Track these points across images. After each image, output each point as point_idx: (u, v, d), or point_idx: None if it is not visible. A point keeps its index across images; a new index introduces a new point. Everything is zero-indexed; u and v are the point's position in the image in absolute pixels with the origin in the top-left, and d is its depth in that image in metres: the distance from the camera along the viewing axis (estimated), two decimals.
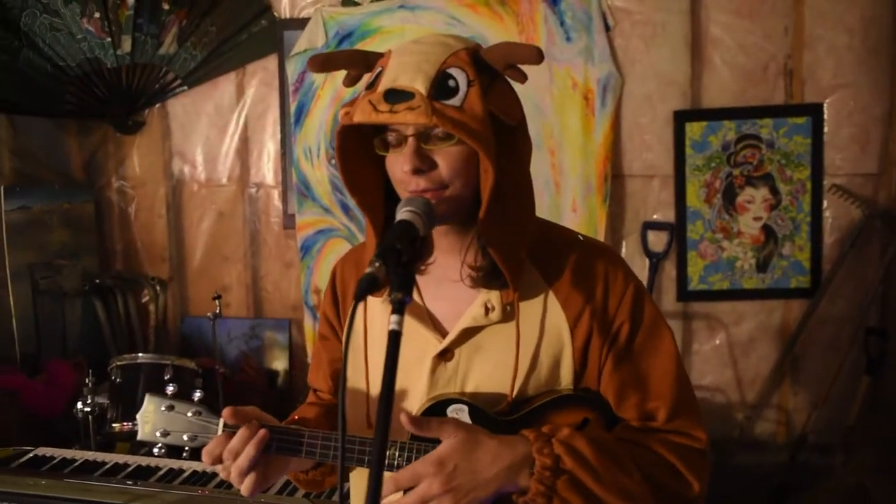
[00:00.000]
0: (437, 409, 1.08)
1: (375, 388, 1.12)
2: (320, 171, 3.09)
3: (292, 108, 3.09)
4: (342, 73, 1.10)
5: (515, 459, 0.98)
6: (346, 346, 0.84)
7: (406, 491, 0.97)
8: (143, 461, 2.06)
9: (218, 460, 1.07)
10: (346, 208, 3.08)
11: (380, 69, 1.03)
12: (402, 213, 0.97)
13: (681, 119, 2.86)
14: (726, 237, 2.91)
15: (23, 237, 2.99)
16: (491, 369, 1.09)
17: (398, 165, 1.02)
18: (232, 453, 1.05)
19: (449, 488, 0.95)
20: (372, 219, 1.09)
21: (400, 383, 1.08)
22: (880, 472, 2.66)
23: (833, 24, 2.75)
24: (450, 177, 1.02)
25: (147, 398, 1.15)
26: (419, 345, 1.11)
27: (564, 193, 2.89)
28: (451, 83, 0.98)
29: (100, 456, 2.11)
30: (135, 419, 1.96)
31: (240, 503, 1.80)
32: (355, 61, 1.08)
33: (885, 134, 2.79)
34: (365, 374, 1.15)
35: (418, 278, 1.14)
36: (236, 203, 3.29)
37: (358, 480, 1.21)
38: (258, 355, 3.27)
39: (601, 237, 2.83)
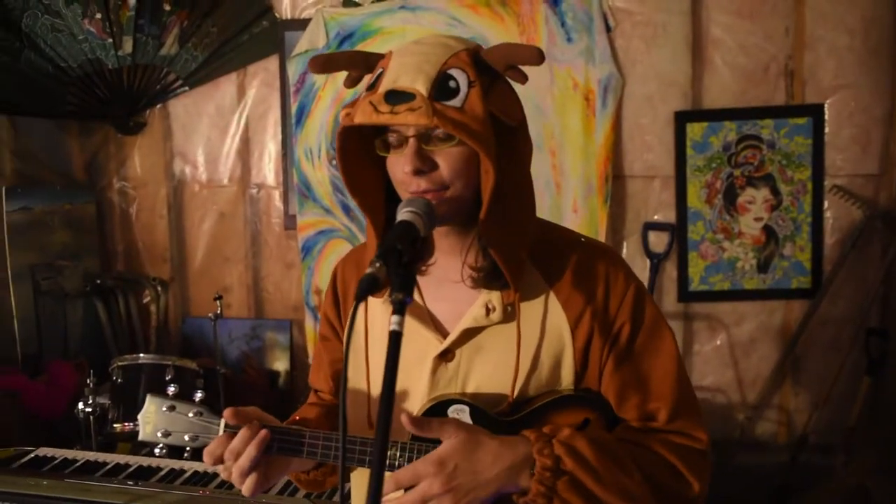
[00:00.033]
0: (438, 409, 1.08)
1: (376, 389, 1.12)
2: (321, 172, 3.09)
3: (293, 108, 3.09)
4: (343, 74, 1.10)
5: (516, 460, 0.98)
6: (347, 347, 0.84)
7: (406, 490, 0.97)
8: (145, 461, 2.06)
9: (219, 461, 1.07)
10: (346, 209, 3.08)
11: (381, 70, 1.03)
12: (402, 214, 0.97)
13: (682, 120, 2.86)
14: (727, 238, 2.91)
15: (24, 238, 2.99)
16: (492, 370, 1.09)
17: (399, 166, 1.02)
18: (233, 454, 1.05)
19: (449, 488, 0.95)
20: (373, 220, 1.09)
21: (401, 384, 1.09)
22: (881, 472, 2.65)
23: (834, 25, 2.75)
24: (450, 178, 1.02)
25: (148, 399, 1.15)
26: (420, 345, 1.11)
27: (565, 194, 2.89)
28: (452, 84, 0.99)
29: (101, 456, 2.11)
30: (136, 419, 1.96)
31: (241, 503, 1.80)
32: (356, 62, 1.08)
33: (886, 135, 2.79)
34: (366, 375, 1.15)
35: (419, 279, 1.14)
36: (237, 204, 3.29)
37: (359, 481, 1.21)
38: (259, 356, 3.27)
39: (602, 238, 2.83)
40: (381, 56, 1.07)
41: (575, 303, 1.09)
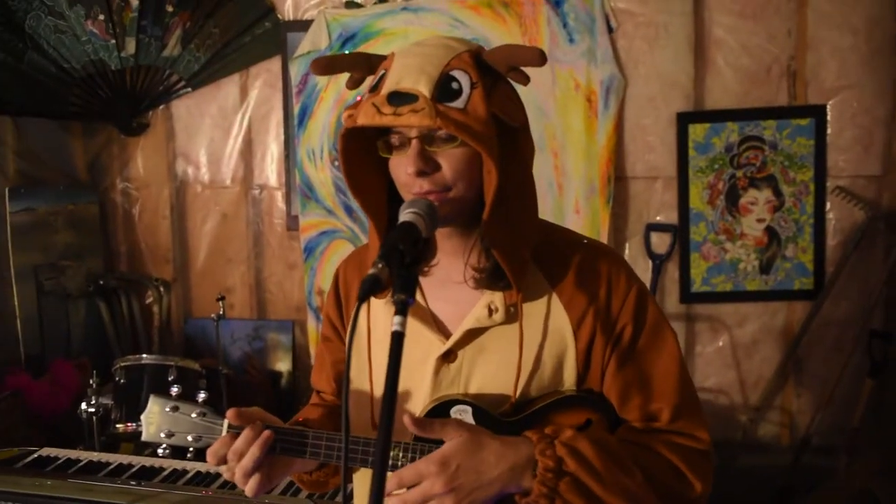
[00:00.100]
0: (440, 410, 1.08)
1: (379, 390, 1.12)
2: (324, 173, 3.09)
3: (296, 109, 3.10)
4: (345, 76, 1.11)
5: (518, 460, 0.98)
6: (350, 348, 0.84)
7: (409, 489, 0.98)
8: (147, 462, 2.07)
9: (223, 461, 1.07)
10: (349, 210, 3.08)
11: (383, 72, 1.03)
12: (405, 215, 0.97)
13: (684, 121, 2.86)
14: (729, 239, 2.91)
15: (27, 238, 3.00)
16: (494, 370, 1.10)
17: (402, 168, 1.03)
18: (236, 454, 1.06)
19: (451, 488, 0.96)
20: (375, 221, 1.10)
21: (403, 384, 1.09)
22: (884, 474, 2.65)
23: (836, 26, 2.75)
24: (453, 179, 1.02)
25: (151, 399, 1.16)
26: (423, 346, 1.11)
27: (567, 195, 2.89)
28: (455, 85, 0.99)
29: (104, 456, 2.12)
30: (139, 420, 1.97)
31: (243, 503, 1.80)
32: (358, 64, 1.09)
33: (889, 136, 2.79)
34: (368, 376, 1.15)
35: (421, 280, 1.14)
36: (240, 204, 3.30)
37: (361, 481, 1.22)
38: (261, 356, 3.28)
39: (604, 239, 2.83)
40: (383, 57, 1.07)
41: (577, 304, 1.09)
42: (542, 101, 2.85)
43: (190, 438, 1.13)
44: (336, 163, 3.04)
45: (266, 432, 1.07)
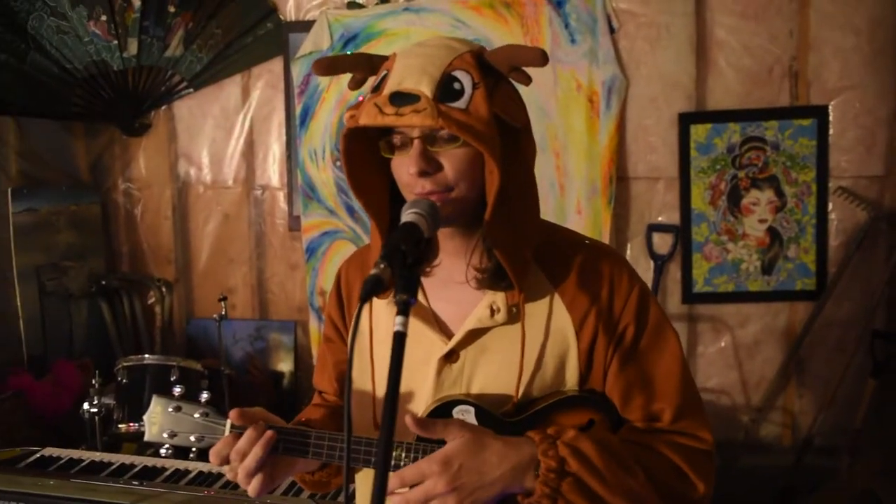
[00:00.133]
0: (442, 410, 1.08)
1: (381, 390, 1.12)
2: (325, 174, 3.09)
3: (298, 110, 3.10)
4: (347, 76, 1.11)
5: (521, 461, 0.98)
6: (352, 348, 0.84)
7: (411, 488, 0.98)
8: (150, 462, 2.07)
9: (225, 461, 1.07)
10: (351, 210, 3.09)
11: (385, 72, 1.04)
12: (407, 216, 0.97)
13: (686, 121, 2.86)
14: (731, 239, 2.91)
15: (30, 239, 3.01)
16: (496, 371, 1.10)
17: (404, 168, 1.03)
18: (239, 454, 1.06)
19: (453, 487, 0.96)
20: (377, 221, 1.10)
21: (406, 385, 1.09)
22: (887, 475, 2.65)
23: (839, 26, 2.75)
24: (455, 179, 1.02)
25: (154, 399, 1.16)
26: (425, 346, 1.11)
27: (569, 195, 2.89)
28: (457, 86, 0.99)
29: (106, 456, 2.12)
30: (141, 420, 1.97)
31: (246, 503, 1.80)
32: (360, 64, 1.09)
33: (891, 136, 2.78)
34: (371, 376, 1.16)
35: (424, 280, 1.14)
36: (242, 205, 3.30)
37: (364, 481, 1.22)
38: (263, 357, 3.28)
39: (606, 239, 2.82)
40: (385, 58, 1.07)
41: (579, 304, 1.09)
42: (544, 102, 2.85)
43: (192, 438, 1.13)
44: (338, 163, 3.05)
45: (268, 432, 1.07)
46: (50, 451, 2.14)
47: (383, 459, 0.78)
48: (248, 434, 1.06)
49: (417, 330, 1.10)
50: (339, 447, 1.08)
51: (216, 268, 3.35)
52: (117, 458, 2.10)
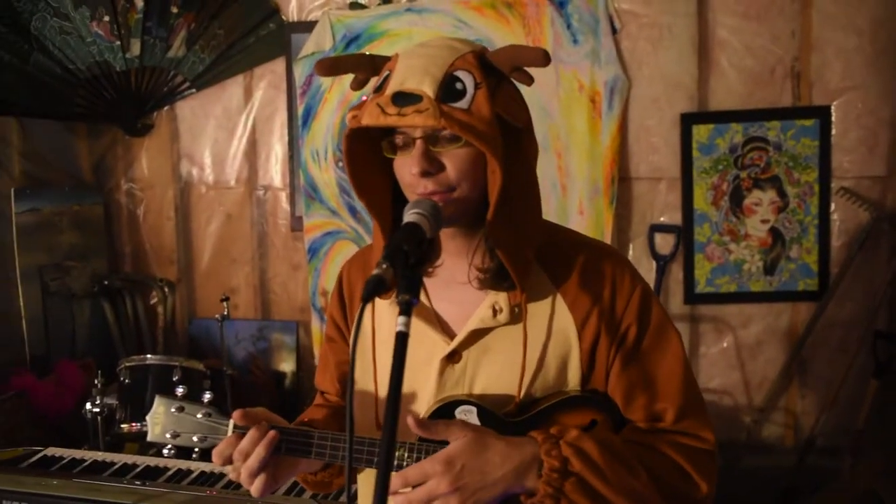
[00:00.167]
0: (445, 410, 1.08)
1: (384, 390, 1.13)
2: (328, 174, 3.10)
3: (300, 110, 3.10)
4: (349, 77, 1.11)
5: (523, 460, 0.98)
6: (354, 348, 0.85)
7: (414, 488, 0.98)
8: (152, 461, 2.07)
9: (228, 461, 1.07)
10: (353, 210, 3.09)
11: (387, 72, 1.04)
12: (409, 216, 0.98)
13: (688, 121, 2.86)
14: (733, 240, 2.91)
15: (32, 239, 3.01)
16: (499, 371, 1.10)
17: (406, 168, 1.03)
18: (242, 454, 1.06)
19: (456, 487, 0.96)
20: (380, 221, 1.10)
21: (408, 385, 1.09)
22: (889, 475, 2.64)
23: (841, 27, 2.74)
24: (457, 179, 1.02)
25: (157, 400, 1.16)
26: (427, 347, 1.11)
27: (571, 196, 2.89)
28: (459, 86, 0.99)
29: (109, 456, 2.13)
30: (143, 420, 1.97)
31: (248, 503, 1.80)
32: (362, 65, 1.09)
33: (893, 136, 2.78)
34: (373, 376, 1.16)
35: (426, 281, 1.14)
36: (244, 205, 3.30)
37: (366, 482, 1.22)
38: (265, 357, 3.28)
39: (608, 240, 2.82)
40: (387, 59, 1.08)
41: (581, 304, 1.10)
42: (546, 102, 2.85)
43: (195, 439, 1.13)
44: (340, 164, 3.05)
45: (271, 432, 1.07)
46: (52, 451, 2.15)
47: (385, 460, 0.78)
48: (251, 434, 1.06)
49: (420, 330, 1.10)
50: (342, 447, 1.08)
51: (218, 268, 3.35)
52: (120, 458, 2.11)
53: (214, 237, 3.34)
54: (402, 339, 0.83)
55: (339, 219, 3.11)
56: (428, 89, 0.98)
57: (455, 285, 1.12)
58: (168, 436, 1.14)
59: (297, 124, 3.12)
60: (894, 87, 2.76)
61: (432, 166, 1.01)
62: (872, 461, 2.70)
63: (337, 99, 3.05)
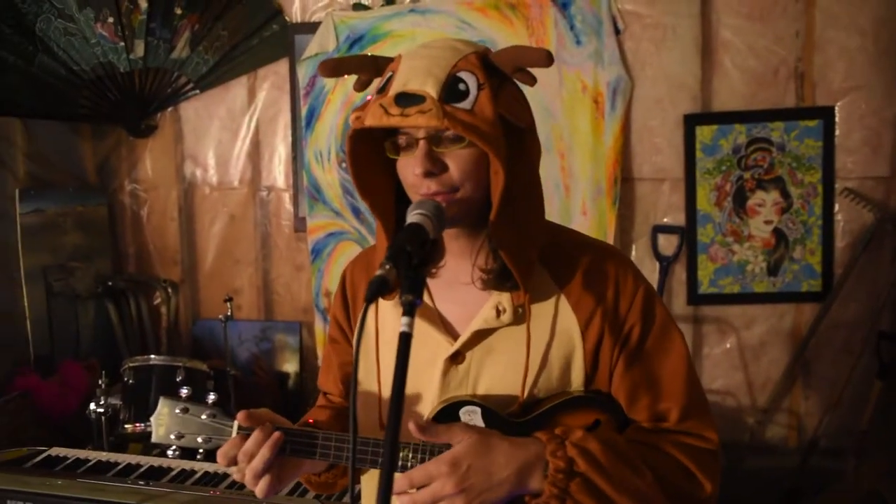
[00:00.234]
0: (449, 411, 1.09)
1: (387, 391, 1.12)
2: (331, 175, 3.10)
3: (303, 111, 3.11)
4: (353, 77, 1.11)
5: (528, 461, 0.98)
6: (357, 349, 0.85)
7: (419, 489, 0.98)
8: (156, 462, 2.08)
9: (233, 462, 1.07)
10: (356, 211, 3.09)
11: (390, 74, 1.04)
12: (412, 216, 0.98)
13: (691, 122, 2.86)
14: (737, 241, 2.90)
15: (37, 240, 3.02)
16: (502, 371, 1.10)
17: (409, 169, 1.03)
18: (247, 455, 1.06)
19: (462, 488, 0.96)
20: (383, 222, 1.10)
21: (412, 386, 1.09)
22: (893, 476, 2.64)
23: (844, 27, 2.74)
24: (460, 179, 1.02)
25: (161, 401, 1.16)
26: (431, 347, 1.11)
27: (574, 196, 2.89)
28: (462, 86, 0.99)
29: (113, 456, 2.13)
30: (147, 420, 1.97)
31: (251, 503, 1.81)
32: (365, 66, 1.09)
33: None
34: (377, 377, 1.16)
35: (429, 281, 1.14)
36: (248, 206, 3.31)
37: (370, 482, 1.22)
38: (269, 357, 3.29)
39: (611, 240, 2.82)
40: (390, 59, 1.08)
41: (585, 304, 1.10)
42: (549, 103, 2.85)
43: (200, 440, 1.13)
44: (343, 164, 3.05)
45: (276, 433, 1.07)
46: (57, 451, 2.15)
47: (389, 460, 0.79)
48: (256, 435, 1.07)
49: (423, 331, 1.10)
50: (346, 448, 1.08)
51: (222, 269, 3.36)
52: (124, 458, 2.12)
53: (218, 238, 3.35)
54: (405, 340, 0.84)
55: (343, 220, 3.12)
56: (431, 90, 0.98)
57: (458, 286, 1.12)
58: (172, 437, 1.15)
59: (301, 125, 3.13)
60: None
61: (435, 167, 1.01)
62: (876, 462, 2.70)
63: (340, 100, 3.06)
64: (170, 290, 3.37)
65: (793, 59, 2.79)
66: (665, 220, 2.94)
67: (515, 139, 1.03)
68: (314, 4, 3.10)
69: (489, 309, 1.09)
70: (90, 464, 2.08)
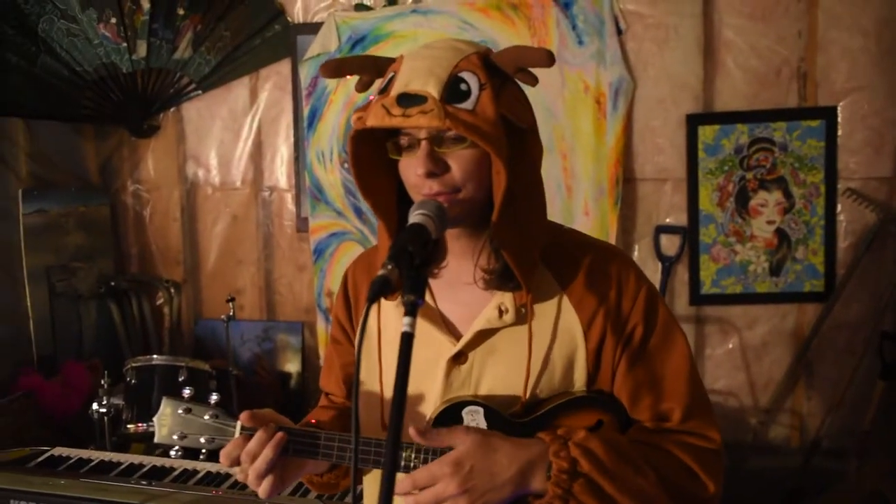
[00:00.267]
0: (452, 411, 1.09)
1: (389, 391, 1.12)
2: (333, 175, 3.10)
3: (305, 112, 3.11)
4: (355, 78, 1.12)
5: (531, 462, 0.99)
6: (359, 349, 0.85)
7: (422, 490, 0.98)
8: (158, 462, 2.08)
9: (236, 462, 1.08)
10: (358, 212, 3.09)
11: (392, 74, 1.04)
12: (414, 217, 0.98)
13: (693, 122, 2.86)
14: (739, 241, 2.90)
15: (39, 240, 3.03)
16: (505, 372, 1.10)
17: (411, 169, 1.03)
18: (250, 455, 1.06)
19: (465, 489, 0.96)
20: (385, 222, 1.10)
21: (415, 386, 1.09)
22: (895, 477, 2.63)
23: (847, 27, 2.74)
24: (462, 180, 1.02)
25: (164, 401, 1.16)
26: (433, 348, 1.11)
27: (576, 197, 2.89)
28: (463, 87, 0.99)
29: (115, 456, 2.14)
30: (150, 420, 1.98)
31: None
32: (367, 66, 1.10)
33: None
34: (379, 377, 1.16)
35: (431, 282, 1.14)
36: (250, 206, 3.31)
37: (372, 483, 1.22)
38: (271, 358, 3.29)
39: (613, 241, 2.82)
40: (392, 60, 1.08)
41: (587, 304, 1.10)
42: (551, 103, 2.85)
43: (203, 440, 1.14)
44: (345, 165, 3.06)
45: (279, 434, 1.07)
46: (59, 451, 2.16)
47: (391, 460, 0.79)
48: (259, 436, 1.07)
49: (425, 331, 1.11)
50: (349, 448, 1.08)
51: (224, 269, 3.36)
52: (126, 458, 2.12)
53: (220, 238, 3.35)
54: (407, 340, 0.84)
55: (345, 220, 3.12)
56: (433, 90, 0.98)
57: (460, 286, 1.12)
58: (175, 437, 1.15)
59: (303, 125, 3.13)
60: None
61: (437, 167, 1.01)
62: (878, 462, 2.69)
63: (342, 100, 3.06)
64: (172, 290, 3.37)
65: (795, 60, 2.79)
66: (667, 220, 2.94)
67: (517, 139, 1.03)
68: (316, 5, 3.10)
69: (491, 309, 1.09)
70: (93, 464, 2.08)
